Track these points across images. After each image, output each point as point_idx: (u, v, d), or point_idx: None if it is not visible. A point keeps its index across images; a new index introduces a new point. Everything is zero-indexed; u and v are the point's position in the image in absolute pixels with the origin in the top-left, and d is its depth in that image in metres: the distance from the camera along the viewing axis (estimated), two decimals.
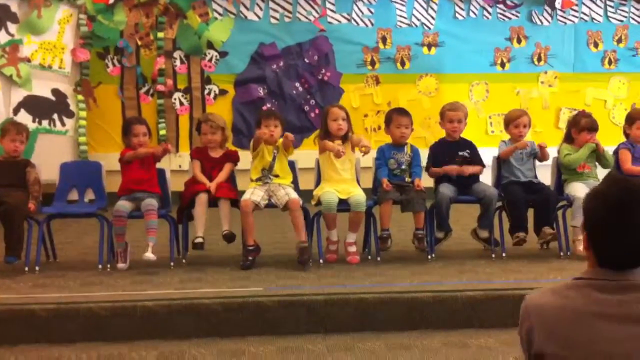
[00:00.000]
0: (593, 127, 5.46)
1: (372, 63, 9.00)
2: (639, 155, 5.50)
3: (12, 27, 7.94)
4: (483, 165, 5.42)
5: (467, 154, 5.38)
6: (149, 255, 4.89)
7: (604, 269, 1.87)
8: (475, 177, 5.40)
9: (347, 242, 5.15)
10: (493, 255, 5.23)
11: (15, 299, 4.20)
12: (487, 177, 5.56)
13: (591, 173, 5.45)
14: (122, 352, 3.80)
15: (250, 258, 4.97)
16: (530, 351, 1.88)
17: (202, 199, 5.04)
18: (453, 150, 5.40)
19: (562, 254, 5.25)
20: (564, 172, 5.51)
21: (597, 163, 5.50)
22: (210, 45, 8.79)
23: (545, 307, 1.87)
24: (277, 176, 5.21)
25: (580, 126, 5.46)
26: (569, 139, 5.55)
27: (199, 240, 4.98)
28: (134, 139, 5.27)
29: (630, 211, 1.82)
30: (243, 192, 5.17)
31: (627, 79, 9.44)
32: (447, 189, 5.21)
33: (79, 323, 4.02)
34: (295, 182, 5.34)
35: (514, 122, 5.51)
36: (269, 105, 8.62)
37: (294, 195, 5.05)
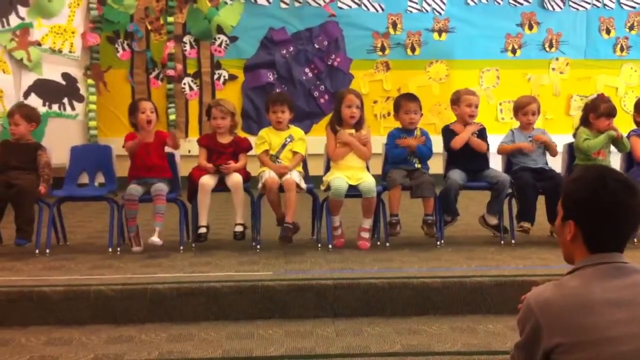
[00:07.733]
0: (611, 113, 5.40)
1: (382, 49, 8.96)
2: None
3: (22, 11, 7.94)
4: (487, 148, 5.41)
5: (476, 133, 5.40)
6: (155, 239, 4.90)
7: (598, 255, 1.90)
8: (485, 163, 5.39)
9: (361, 227, 5.15)
10: (502, 242, 5.23)
11: (26, 281, 4.23)
12: (497, 165, 5.54)
13: (605, 160, 5.39)
14: (132, 335, 3.83)
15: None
16: (536, 350, 1.85)
17: (205, 187, 5.04)
18: None
19: None
20: (578, 157, 5.46)
21: (612, 148, 5.43)
22: (220, 29, 8.78)
23: (551, 301, 1.86)
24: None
25: (599, 111, 5.37)
26: (585, 122, 5.47)
27: (203, 230, 5.03)
28: (141, 114, 5.21)
29: (632, 194, 1.89)
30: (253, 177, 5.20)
31: (638, 66, 9.36)
32: (457, 175, 5.20)
33: (89, 305, 4.05)
34: (304, 168, 5.35)
35: (522, 109, 5.48)
36: (278, 91, 8.59)
37: (289, 176, 5.04)
